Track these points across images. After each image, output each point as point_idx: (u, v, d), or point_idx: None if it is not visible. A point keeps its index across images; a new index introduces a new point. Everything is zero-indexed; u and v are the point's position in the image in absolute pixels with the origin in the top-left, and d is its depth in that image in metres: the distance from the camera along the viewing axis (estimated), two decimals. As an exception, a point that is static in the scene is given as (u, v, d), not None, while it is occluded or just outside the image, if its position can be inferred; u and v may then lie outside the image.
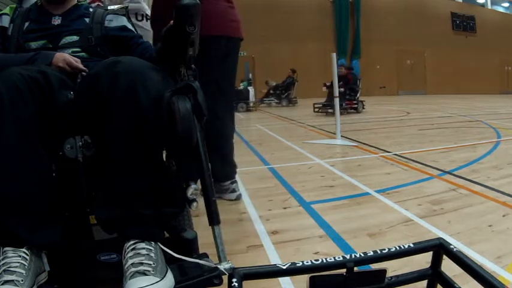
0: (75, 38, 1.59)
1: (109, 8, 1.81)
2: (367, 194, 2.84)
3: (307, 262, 1.07)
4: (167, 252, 1.13)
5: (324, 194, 2.86)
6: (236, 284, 1.00)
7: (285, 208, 2.58)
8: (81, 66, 1.46)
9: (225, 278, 1.07)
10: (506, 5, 25.20)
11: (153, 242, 1.12)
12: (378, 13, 20.51)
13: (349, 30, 20.34)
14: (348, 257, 1.08)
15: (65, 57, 1.44)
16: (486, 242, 1.96)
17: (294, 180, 3.25)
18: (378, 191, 2.87)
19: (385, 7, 20.79)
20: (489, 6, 24.39)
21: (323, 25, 19.75)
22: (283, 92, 13.94)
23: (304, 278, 1.03)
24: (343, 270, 1.05)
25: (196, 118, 1.24)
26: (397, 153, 4.42)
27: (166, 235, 1.29)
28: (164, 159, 1.27)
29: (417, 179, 3.24)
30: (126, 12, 1.93)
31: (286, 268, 1.06)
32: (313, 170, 3.67)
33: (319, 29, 19.55)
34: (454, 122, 7.59)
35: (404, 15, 21.01)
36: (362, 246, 1.92)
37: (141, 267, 1.02)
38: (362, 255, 1.09)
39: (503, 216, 2.31)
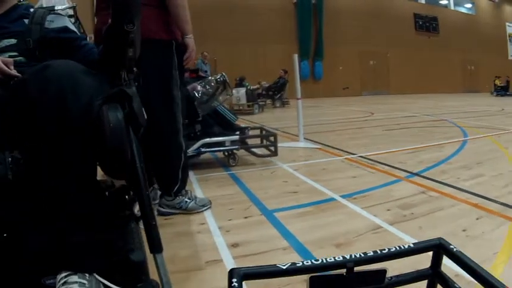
0: (13, 41, 1.42)
1: (56, 8, 1.65)
2: (333, 199, 2.71)
3: (307, 262, 1.07)
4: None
5: (287, 201, 2.71)
6: (236, 284, 0.97)
7: (246, 217, 2.41)
8: (13, 72, 1.26)
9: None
10: (469, 5, 26.08)
11: (87, 274, 1.04)
12: (341, 14, 20.78)
13: (311, 31, 20.45)
14: (348, 257, 1.08)
15: None
16: (461, 249, 1.82)
17: (255, 187, 3.08)
18: (343, 196, 2.74)
19: (348, 8, 21.09)
20: (452, 7, 25.19)
21: (285, 26, 19.79)
22: (275, 93, 13.76)
23: (304, 278, 1.03)
24: (343, 270, 1.05)
25: (131, 129, 1.10)
26: (362, 155, 4.32)
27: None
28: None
29: (384, 182, 3.14)
30: (75, 12, 1.82)
31: (286, 268, 1.06)
32: (275, 174, 3.52)
33: (282, 31, 19.57)
34: (419, 122, 7.67)
35: (367, 17, 21.39)
36: (328, 259, 1.76)
37: None
38: (362, 255, 1.10)
39: (477, 219, 2.24)
